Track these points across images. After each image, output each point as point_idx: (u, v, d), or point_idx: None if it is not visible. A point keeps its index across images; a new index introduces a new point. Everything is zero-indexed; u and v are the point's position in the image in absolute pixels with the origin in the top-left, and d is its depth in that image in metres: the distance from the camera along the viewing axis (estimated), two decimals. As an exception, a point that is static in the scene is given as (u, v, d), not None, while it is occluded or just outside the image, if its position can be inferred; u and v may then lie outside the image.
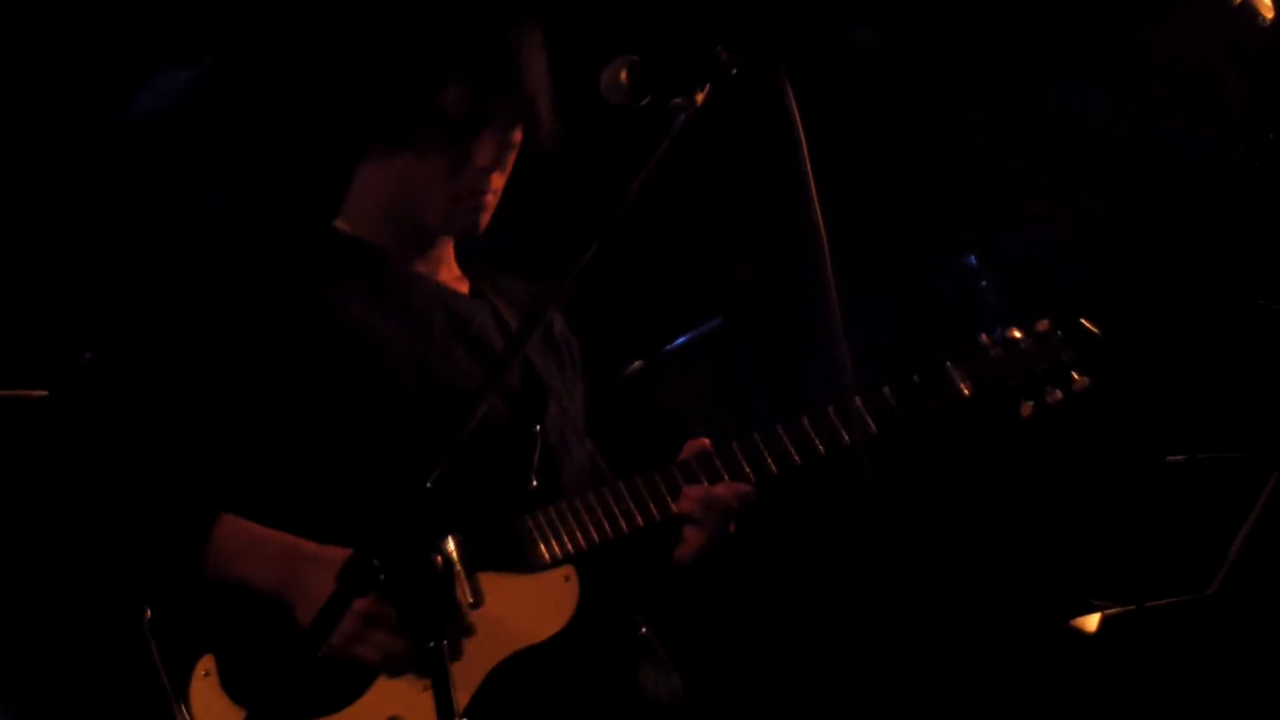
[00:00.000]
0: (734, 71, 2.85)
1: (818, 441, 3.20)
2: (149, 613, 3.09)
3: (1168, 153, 5.25)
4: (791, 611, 5.23)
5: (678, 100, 2.82)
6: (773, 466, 3.21)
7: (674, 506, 3.19)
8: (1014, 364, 3.25)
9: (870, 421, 3.20)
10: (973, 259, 5.10)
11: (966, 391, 3.24)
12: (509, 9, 3.35)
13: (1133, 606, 3.52)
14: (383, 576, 2.45)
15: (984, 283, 5.04)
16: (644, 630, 3.38)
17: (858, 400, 3.19)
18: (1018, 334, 3.28)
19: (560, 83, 3.43)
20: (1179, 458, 4.04)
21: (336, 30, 3.43)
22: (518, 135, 3.35)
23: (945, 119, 5.51)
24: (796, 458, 3.21)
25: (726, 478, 3.20)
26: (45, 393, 3.31)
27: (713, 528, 3.19)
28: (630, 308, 5.30)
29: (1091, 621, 3.54)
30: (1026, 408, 3.25)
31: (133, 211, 5.13)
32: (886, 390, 3.22)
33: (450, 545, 2.89)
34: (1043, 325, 3.28)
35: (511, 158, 3.36)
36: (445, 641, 2.50)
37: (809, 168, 2.78)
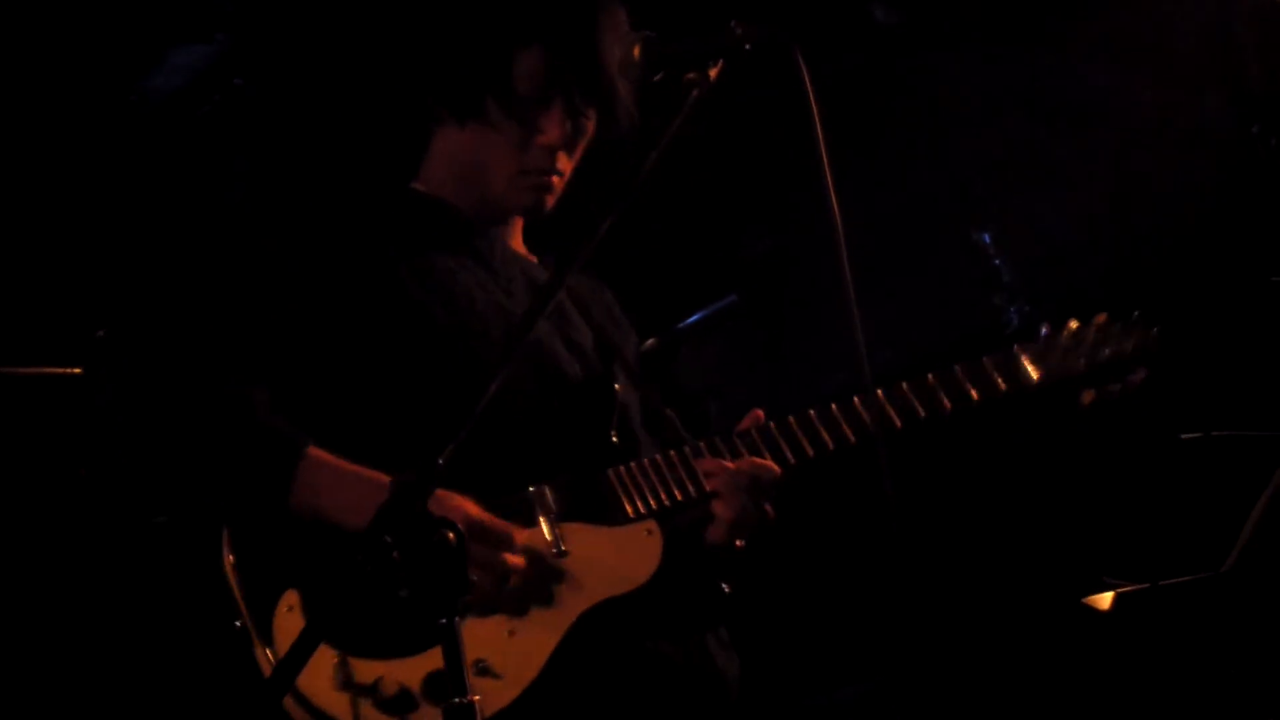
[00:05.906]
0: (748, 47, 2.83)
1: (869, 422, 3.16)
2: (230, 556, 3.07)
3: (1185, 131, 5.24)
4: (800, 591, 5.24)
5: (691, 76, 2.81)
6: (808, 449, 3.19)
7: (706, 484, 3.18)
8: (1081, 353, 3.26)
9: (919, 408, 3.18)
10: (986, 237, 5.11)
11: (1035, 376, 3.24)
12: None
13: (1146, 584, 3.52)
14: (395, 553, 2.45)
15: (997, 261, 5.05)
16: (726, 589, 3.35)
17: (930, 377, 3.20)
18: (1075, 325, 3.28)
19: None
20: (1193, 435, 4.04)
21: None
22: (590, 123, 3.36)
23: (962, 96, 5.50)
24: (849, 436, 3.19)
25: (766, 454, 3.19)
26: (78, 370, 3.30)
27: (738, 505, 3.17)
28: (645, 284, 5.30)
29: (1105, 599, 3.54)
30: (1088, 395, 3.26)
31: (150, 189, 5.15)
32: (958, 369, 3.21)
33: (546, 492, 3.11)
34: (1101, 318, 3.28)
35: (581, 144, 3.37)
36: (458, 618, 2.50)
37: (823, 145, 2.77)
